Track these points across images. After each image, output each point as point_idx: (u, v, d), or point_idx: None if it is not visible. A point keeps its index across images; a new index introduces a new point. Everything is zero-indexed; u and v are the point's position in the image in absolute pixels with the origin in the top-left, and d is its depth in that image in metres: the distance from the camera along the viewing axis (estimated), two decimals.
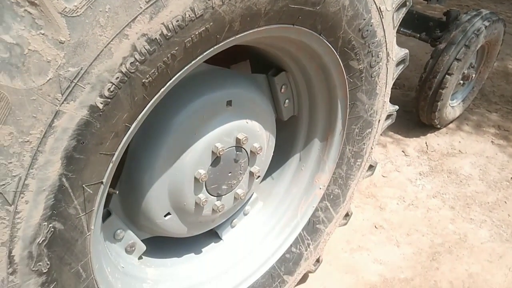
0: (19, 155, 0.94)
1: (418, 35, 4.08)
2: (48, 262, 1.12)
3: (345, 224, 2.56)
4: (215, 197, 1.80)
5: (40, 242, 1.07)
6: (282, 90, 1.96)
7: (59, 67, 0.92)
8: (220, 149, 1.65)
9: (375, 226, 3.23)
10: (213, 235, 2.16)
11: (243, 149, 1.79)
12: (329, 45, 1.66)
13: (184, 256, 2.03)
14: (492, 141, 4.25)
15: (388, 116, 2.33)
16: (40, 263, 1.10)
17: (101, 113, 1.04)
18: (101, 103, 1.02)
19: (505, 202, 3.60)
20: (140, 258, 1.80)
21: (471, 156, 4.10)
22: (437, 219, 3.36)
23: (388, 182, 3.67)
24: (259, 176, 1.98)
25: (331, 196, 2.24)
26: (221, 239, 2.16)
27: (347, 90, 1.90)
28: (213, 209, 1.82)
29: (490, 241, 3.20)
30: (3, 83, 0.87)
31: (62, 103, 0.95)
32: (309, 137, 2.15)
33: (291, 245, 2.20)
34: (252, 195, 2.19)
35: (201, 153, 1.63)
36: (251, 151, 1.83)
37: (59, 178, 1.03)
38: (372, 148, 2.29)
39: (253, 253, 2.14)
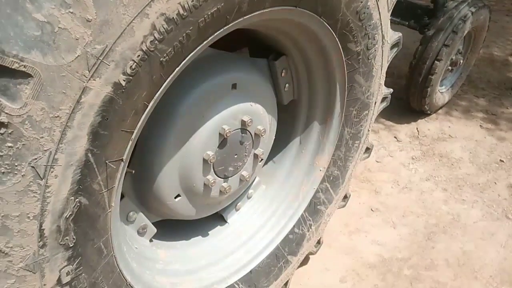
0: (49, 130, 0.98)
1: (407, 23, 4.17)
2: (74, 237, 1.16)
3: (344, 206, 2.64)
4: (222, 179, 1.86)
5: (67, 216, 1.11)
6: (283, 74, 2.02)
7: (86, 44, 0.97)
8: (227, 131, 1.71)
9: (372, 209, 3.32)
10: (218, 218, 2.21)
11: (247, 131, 1.85)
12: (329, 27, 1.73)
13: (192, 239, 2.08)
14: (480, 125, 4.37)
15: (383, 99, 2.41)
16: (67, 238, 1.14)
17: (123, 90, 1.08)
18: (124, 80, 1.07)
19: (495, 183, 3.72)
20: (150, 240, 1.85)
21: (461, 140, 4.21)
22: (430, 201, 3.46)
23: (382, 167, 3.77)
24: (262, 159, 2.04)
25: (331, 178, 2.32)
26: (226, 222, 2.22)
27: (345, 72, 1.97)
28: (220, 191, 1.88)
29: (482, 220, 3.32)
30: (36, 60, 0.91)
31: (89, 79, 1.00)
32: (308, 120, 2.22)
33: (294, 226, 2.27)
34: (255, 178, 2.26)
35: (209, 135, 1.69)
36: (255, 133, 1.89)
37: (86, 153, 1.07)
38: (368, 130, 2.37)
39: (258, 235, 2.20)
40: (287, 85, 2.08)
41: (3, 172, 0.96)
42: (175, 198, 1.76)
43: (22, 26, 0.89)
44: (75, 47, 0.95)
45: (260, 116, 1.88)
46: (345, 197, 2.57)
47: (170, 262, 1.86)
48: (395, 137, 4.18)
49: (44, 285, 1.14)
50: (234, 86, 1.74)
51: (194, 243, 2.07)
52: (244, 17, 1.35)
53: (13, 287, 1.08)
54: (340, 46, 1.84)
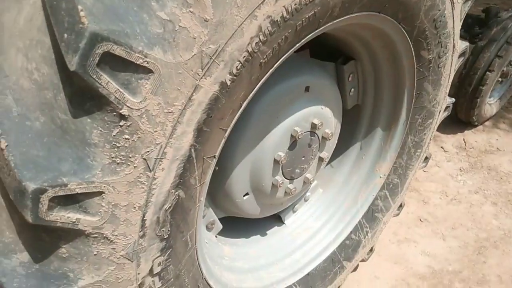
0: (163, 124, 1.02)
1: None
2: (169, 229, 1.20)
3: (398, 214, 2.61)
4: (288, 180, 1.88)
5: (167, 208, 1.15)
6: (350, 78, 2.02)
7: (202, 43, 1.00)
8: (299, 133, 1.72)
9: (420, 219, 3.27)
10: (276, 219, 2.23)
11: (316, 134, 1.86)
12: (406, 34, 1.72)
13: (251, 238, 2.11)
14: None
15: (446, 108, 2.38)
16: (163, 229, 1.18)
17: (227, 90, 1.12)
18: (229, 80, 1.10)
19: None
20: (215, 236, 1.88)
21: (509, 153, 4.10)
22: (480, 214, 3.38)
23: (430, 177, 3.71)
24: (325, 163, 2.05)
25: (390, 186, 2.30)
26: (283, 223, 2.23)
27: (415, 79, 1.96)
28: (285, 192, 1.89)
29: None
30: (157, 56, 0.95)
31: (201, 78, 1.03)
32: (371, 126, 2.21)
33: (351, 232, 2.26)
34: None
35: (282, 136, 1.71)
36: (323, 136, 1.90)
37: (189, 148, 1.11)
38: (430, 139, 2.34)
39: (315, 238, 2.20)
40: (352, 89, 2.08)
41: (118, 163, 1.00)
42: (244, 196, 1.79)
43: (147, 23, 0.93)
44: (192, 45, 0.99)
45: (329, 120, 1.89)
46: (400, 206, 2.55)
47: (234, 259, 1.89)
48: (441, 147, 4.10)
49: (138, 273, 1.18)
50: (307, 88, 1.75)
51: (253, 242, 2.09)
52: (333, 21, 1.37)
53: (112, 274, 1.13)
54: (413, 53, 1.83)
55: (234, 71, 1.10)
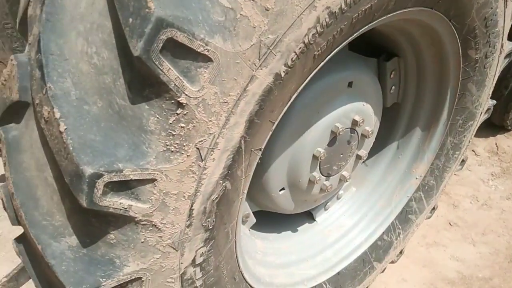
0: (217, 114, 1.01)
1: None
2: (214, 220, 1.19)
3: (430, 217, 2.55)
4: (325, 177, 1.85)
5: (214, 199, 1.14)
6: (392, 75, 1.98)
7: (262, 33, 0.98)
8: (340, 129, 1.69)
9: (450, 223, 3.20)
10: (308, 215, 2.21)
11: (356, 131, 1.83)
12: (455, 31, 1.67)
13: (282, 233, 2.09)
14: None
15: (487, 110, 2.31)
16: (209, 220, 1.17)
17: (281, 81, 1.09)
18: (284, 72, 1.08)
19: None
20: (248, 230, 1.87)
21: None
22: None
23: (460, 180, 3.62)
24: (362, 161, 2.01)
25: (426, 187, 2.25)
26: (315, 220, 2.21)
27: (460, 79, 1.90)
28: (321, 188, 1.87)
29: None
30: (218, 44, 0.93)
31: (258, 68, 1.01)
32: (410, 125, 2.16)
33: (383, 232, 2.22)
34: None
35: (322, 131, 1.68)
36: (362, 134, 1.86)
37: (240, 140, 1.09)
38: (469, 141, 2.28)
39: (346, 237, 2.17)
40: (393, 87, 2.04)
41: (172, 151, 0.99)
42: (280, 191, 1.77)
43: (209, 10, 0.91)
44: (251, 35, 0.97)
45: (369, 117, 1.85)
46: (433, 209, 2.49)
47: (266, 254, 1.88)
48: (473, 151, 4.00)
49: (181, 263, 1.18)
50: (350, 84, 1.72)
51: (284, 237, 2.07)
52: (387, 16, 1.33)
53: (157, 262, 1.12)
54: (460, 52, 1.78)
55: (289, 62, 1.07)
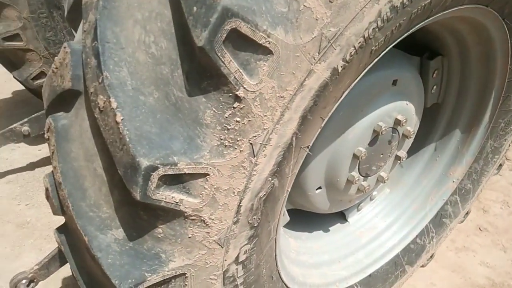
0: (273, 109, 0.97)
1: None
2: (259, 217, 1.16)
3: (462, 222, 2.48)
4: (363, 177, 1.80)
5: (261, 196, 1.11)
6: (434, 75, 1.91)
7: (323, 26, 0.94)
8: (383, 129, 1.64)
9: (480, 228, 3.11)
10: (340, 216, 2.16)
11: (397, 131, 1.77)
12: (507, 30, 1.60)
13: (314, 232, 2.05)
14: None
15: None
16: (255, 217, 1.14)
17: (337, 77, 1.05)
18: (341, 66, 1.04)
19: None
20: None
21: None
22: None
23: (490, 185, 3.52)
24: (401, 162, 1.95)
25: (462, 191, 2.18)
26: (347, 221, 2.17)
27: (506, 81, 1.83)
28: (358, 189, 1.82)
29: None
30: (279, 37, 0.90)
31: (316, 62, 0.98)
32: (449, 127, 2.10)
33: (416, 236, 2.16)
34: None
35: (364, 130, 1.63)
36: (403, 134, 1.81)
37: (292, 136, 1.06)
38: (509, 145, 2.20)
39: (379, 239, 2.13)
40: (434, 87, 1.97)
41: (225, 146, 0.96)
42: (316, 190, 1.73)
43: (272, 1, 0.88)
44: (313, 27, 0.93)
45: (412, 117, 1.79)
46: (466, 213, 2.42)
47: (300, 253, 1.84)
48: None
49: (225, 260, 1.15)
50: (394, 82, 1.66)
51: (316, 237, 2.04)
52: (443, 12, 1.28)
53: (202, 258, 1.10)
54: (510, 52, 1.71)
55: (348, 57, 1.03)
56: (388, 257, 2.09)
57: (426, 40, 1.85)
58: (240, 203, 1.07)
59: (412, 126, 1.82)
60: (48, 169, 3.60)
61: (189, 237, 1.05)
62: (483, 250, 2.95)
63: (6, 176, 3.41)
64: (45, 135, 1.11)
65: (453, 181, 2.13)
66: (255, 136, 0.98)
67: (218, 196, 1.01)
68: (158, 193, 0.92)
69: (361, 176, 1.78)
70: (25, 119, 3.13)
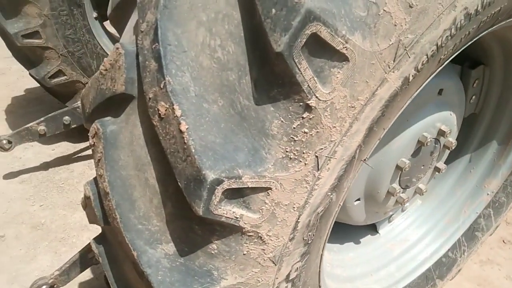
0: (342, 120, 0.91)
1: None
2: (314, 234, 1.09)
3: (491, 234, 2.41)
4: (402, 189, 1.73)
5: (319, 211, 1.04)
6: (475, 84, 1.84)
7: (402, 32, 0.87)
8: (428, 139, 1.57)
9: (503, 241, 3.04)
10: (370, 227, 2.09)
11: (439, 142, 1.70)
12: None
13: (345, 244, 1.98)
14: None
15: None
16: (310, 233, 1.07)
17: (406, 86, 0.99)
18: (412, 75, 0.97)
19: None
20: None
21: None
22: None
23: None
24: (440, 174, 1.88)
25: (496, 204, 2.11)
26: (377, 232, 2.09)
27: None
28: (396, 201, 1.75)
29: None
30: (357, 42, 0.83)
31: (390, 71, 0.91)
32: (486, 138, 2.03)
33: (448, 249, 2.09)
34: None
35: (409, 141, 1.56)
36: (445, 145, 1.74)
37: (356, 149, 0.99)
38: None
39: (410, 252, 2.06)
40: (473, 97, 1.90)
41: (290, 158, 0.89)
42: (355, 201, 1.66)
43: (351, 3, 0.81)
44: (391, 33, 0.87)
45: (454, 127, 1.73)
46: (497, 226, 2.35)
47: (333, 266, 1.77)
48: None
49: (277, 278, 1.09)
50: (440, 91, 1.60)
51: (347, 249, 1.97)
52: (507, 20, 1.21)
53: (254, 276, 1.03)
54: None
55: (419, 66, 0.97)
56: (420, 271, 2.02)
57: (468, 48, 1.78)
58: (298, 219, 1.00)
59: (454, 137, 1.76)
60: (62, 169, 3.55)
61: (244, 254, 0.98)
62: (508, 264, 2.87)
63: (20, 175, 3.34)
64: (90, 141, 1.05)
65: (488, 194, 2.06)
66: (322, 148, 0.91)
67: (277, 211, 0.95)
68: (220, 208, 0.86)
69: (401, 188, 1.71)
70: (42, 118, 3.07)
